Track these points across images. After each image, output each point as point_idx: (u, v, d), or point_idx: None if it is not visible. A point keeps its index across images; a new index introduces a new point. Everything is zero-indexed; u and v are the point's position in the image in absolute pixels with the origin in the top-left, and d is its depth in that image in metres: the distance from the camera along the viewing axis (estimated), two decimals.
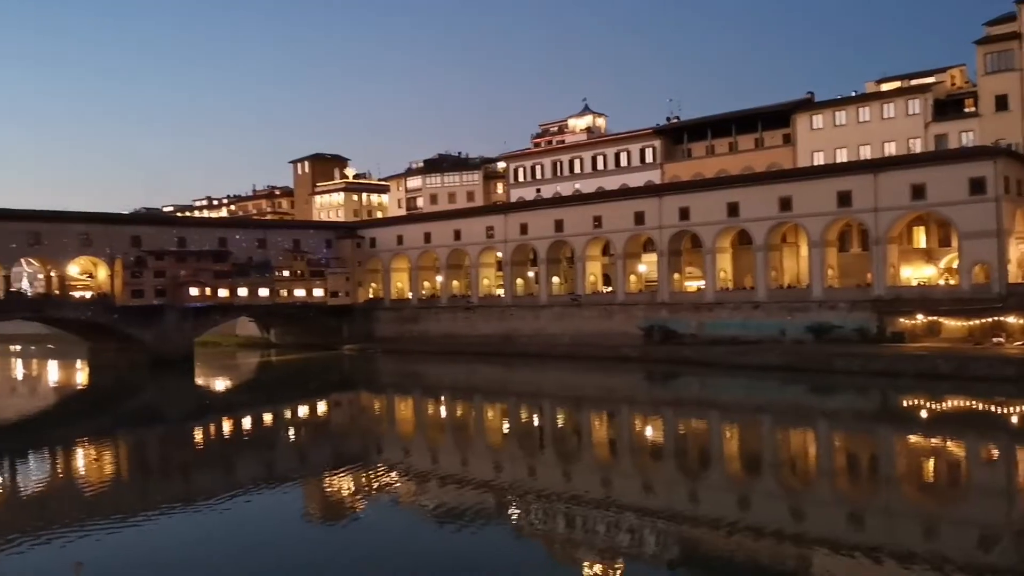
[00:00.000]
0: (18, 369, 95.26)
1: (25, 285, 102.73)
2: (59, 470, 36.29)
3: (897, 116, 76.46)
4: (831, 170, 70.18)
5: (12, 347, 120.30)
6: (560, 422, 47.61)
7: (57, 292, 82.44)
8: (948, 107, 75.89)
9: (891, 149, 75.41)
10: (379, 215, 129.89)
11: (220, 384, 74.79)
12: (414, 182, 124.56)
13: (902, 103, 76.42)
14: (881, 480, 31.10)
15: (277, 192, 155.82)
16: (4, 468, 36.32)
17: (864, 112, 78.67)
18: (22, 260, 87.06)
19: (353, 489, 30.64)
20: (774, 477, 31.49)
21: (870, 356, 55.55)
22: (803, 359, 58.45)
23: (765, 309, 68.96)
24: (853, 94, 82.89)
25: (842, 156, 77.84)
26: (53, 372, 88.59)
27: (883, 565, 19.93)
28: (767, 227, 70.31)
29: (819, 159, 79.17)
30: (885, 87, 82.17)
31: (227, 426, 48.42)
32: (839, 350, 58.62)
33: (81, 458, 38.88)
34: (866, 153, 76.49)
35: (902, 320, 62.36)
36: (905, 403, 48.13)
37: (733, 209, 72.04)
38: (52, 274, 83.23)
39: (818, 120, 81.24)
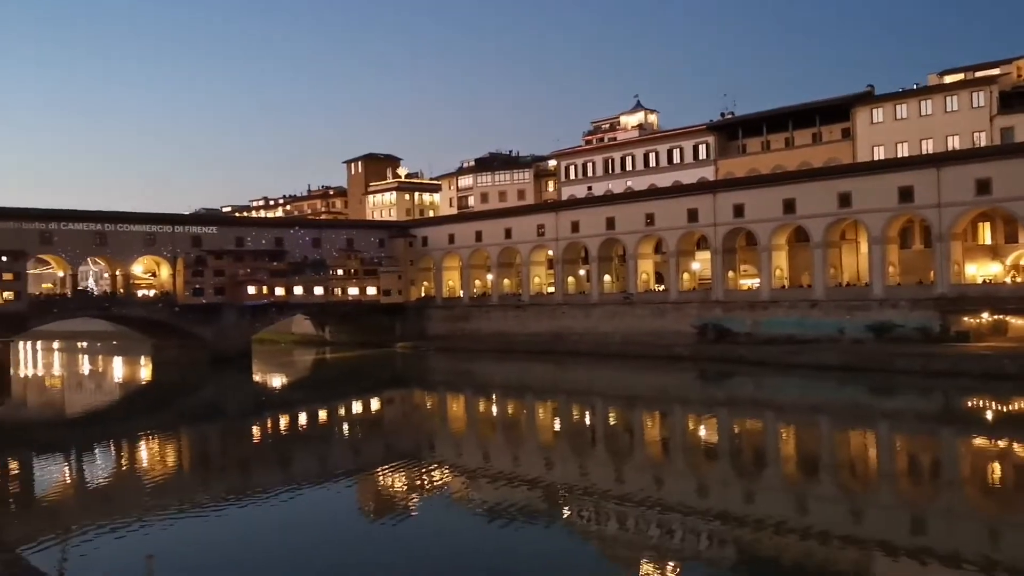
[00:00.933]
0: (85, 365, 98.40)
1: (91, 284, 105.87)
2: (125, 463, 37.44)
3: (961, 109, 74.26)
4: (892, 165, 68.51)
5: (79, 344, 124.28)
6: (612, 421, 47.44)
7: (122, 291, 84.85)
8: (1014, 99, 73.36)
9: (955, 143, 73.27)
10: (431, 214, 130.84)
11: (277, 381, 76.24)
12: (465, 181, 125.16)
13: (966, 95, 74.20)
14: (943, 483, 30.31)
15: (331, 192, 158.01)
16: (74, 461, 37.62)
17: (926, 105, 76.58)
18: (88, 259, 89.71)
19: (406, 485, 30.99)
20: (831, 479, 30.90)
21: (932, 356, 54.11)
22: (862, 359, 57.19)
23: (823, 307, 67.64)
24: (915, 87, 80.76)
25: (903, 151, 75.89)
26: (118, 368, 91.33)
27: (943, 571, 19.43)
28: (825, 224, 68.94)
29: (879, 154, 77.32)
30: (948, 79, 79.88)
31: (284, 422, 49.34)
32: (900, 350, 57.21)
33: (146, 452, 40.06)
34: (928, 147, 74.45)
35: (966, 319, 60.60)
36: (969, 404, 46.82)
37: (789, 206, 70.82)
38: (117, 273, 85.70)
39: (878, 114, 79.34)
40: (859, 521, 24.72)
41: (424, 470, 33.48)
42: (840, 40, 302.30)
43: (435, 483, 31.38)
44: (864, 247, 70.68)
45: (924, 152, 73.12)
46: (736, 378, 60.22)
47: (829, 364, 57.88)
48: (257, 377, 77.17)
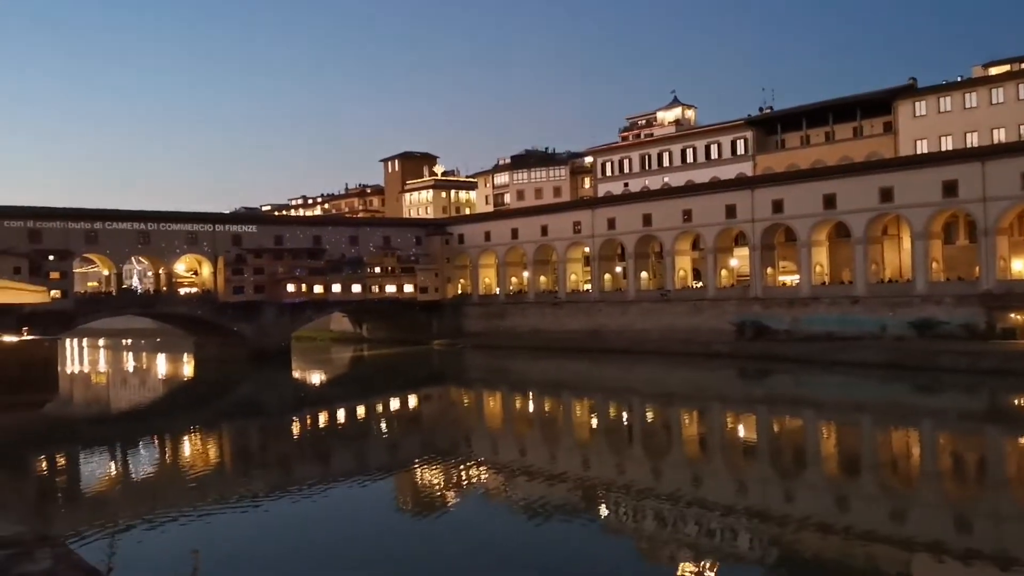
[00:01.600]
0: (130, 362, 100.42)
1: (135, 282, 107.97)
2: (169, 458, 38.17)
3: (1007, 101, 72.58)
4: (936, 159, 67.15)
5: (124, 341, 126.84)
6: (649, 418, 47.21)
7: (165, 289, 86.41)
8: None
9: (1000, 136, 71.63)
10: (467, 212, 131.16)
11: (315, 378, 77.09)
12: (501, 178, 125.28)
13: (1012, 87, 72.47)
14: (989, 483, 29.67)
15: (368, 190, 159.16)
16: (120, 456, 38.45)
17: (971, 98, 74.98)
18: (132, 258, 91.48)
19: (443, 482, 31.17)
20: (873, 478, 30.45)
21: (978, 353, 53.01)
22: (905, 356, 56.20)
23: (864, 304, 66.56)
24: (959, 79, 79.06)
25: (947, 144, 74.39)
26: (161, 365, 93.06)
27: (991, 572, 19.05)
28: (867, 219, 67.82)
29: (922, 147, 75.85)
30: (994, 71, 78.08)
31: (322, 418, 49.90)
32: (944, 347, 56.11)
33: (188, 447, 40.83)
34: (973, 140, 72.88)
35: (1013, 315, 59.22)
36: (1017, 403, 45.77)
37: (830, 201, 69.79)
38: (160, 271, 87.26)
39: (921, 107, 77.84)
40: (902, 521, 24.33)
41: (461, 467, 33.64)
42: (881, 32, 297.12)
43: (472, 480, 31.51)
44: (907, 243, 69.41)
45: (968, 146, 71.58)
46: (775, 376, 59.57)
47: (871, 362, 56.99)
48: (296, 374, 78.11)
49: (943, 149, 72.82)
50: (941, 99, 76.76)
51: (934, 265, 66.05)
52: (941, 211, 64.84)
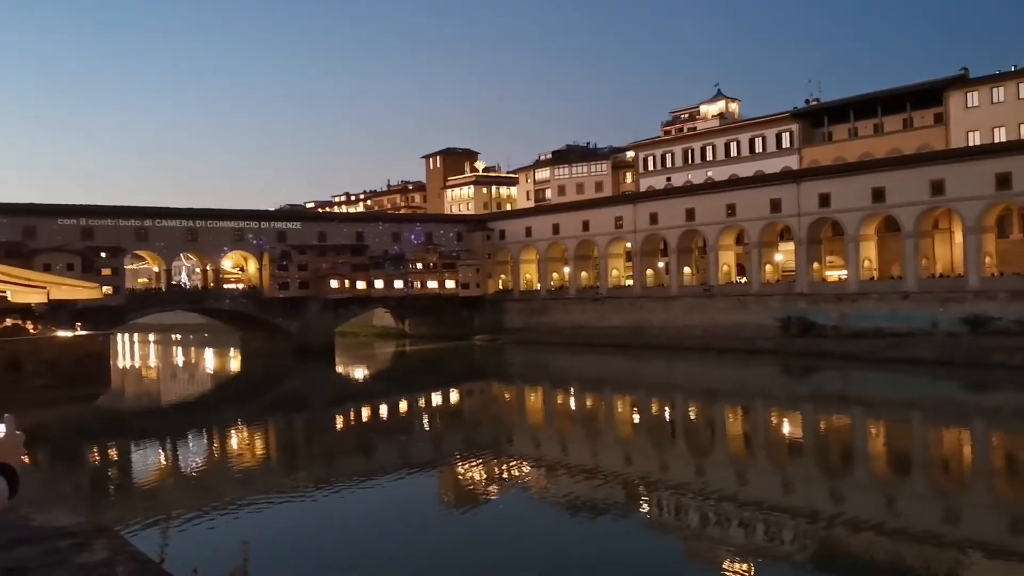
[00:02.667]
0: (178, 356, 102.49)
1: (183, 278, 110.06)
2: (217, 451, 38.91)
3: None
4: (989, 150, 65.40)
5: (173, 336, 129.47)
6: (691, 415, 46.82)
7: (212, 285, 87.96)
8: None
9: None
10: (508, 207, 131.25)
11: (359, 372, 77.85)
12: (542, 174, 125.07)
13: None
14: None
15: (410, 187, 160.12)
16: (170, 448, 39.29)
17: None
18: (181, 255, 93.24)
19: (485, 477, 31.27)
20: (924, 478, 29.84)
21: None
22: (957, 352, 54.89)
23: (914, 300, 65.14)
24: (1012, 69, 76.91)
25: (1000, 136, 72.41)
26: (209, 359, 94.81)
27: None
28: (917, 213, 66.35)
29: (975, 139, 73.95)
30: None
31: (365, 413, 50.39)
32: (998, 343, 54.68)
33: (236, 440, 41.54)
34: None
35: None
36: None
37: (879, 194, 68.40)
38: (207, 268, 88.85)
39: (973, 97, 75.88)
40: (953, 522, 23.81)
41: (502, 462, 33.71)
42: (931, 22, 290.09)
43: (513, 475, 31.57)
44: (958, 237, 67.77)
45: (1023, 137, 69.57)
46: (822, 372, 58.65)
47: (922, 358, 55.77)
48: (340, 369, 78.97)
49: (996, 140, 70.88)
50: (994, 89, 74.76)
51: (987, 259, 64.40)
52: (994, 204, 63.18)
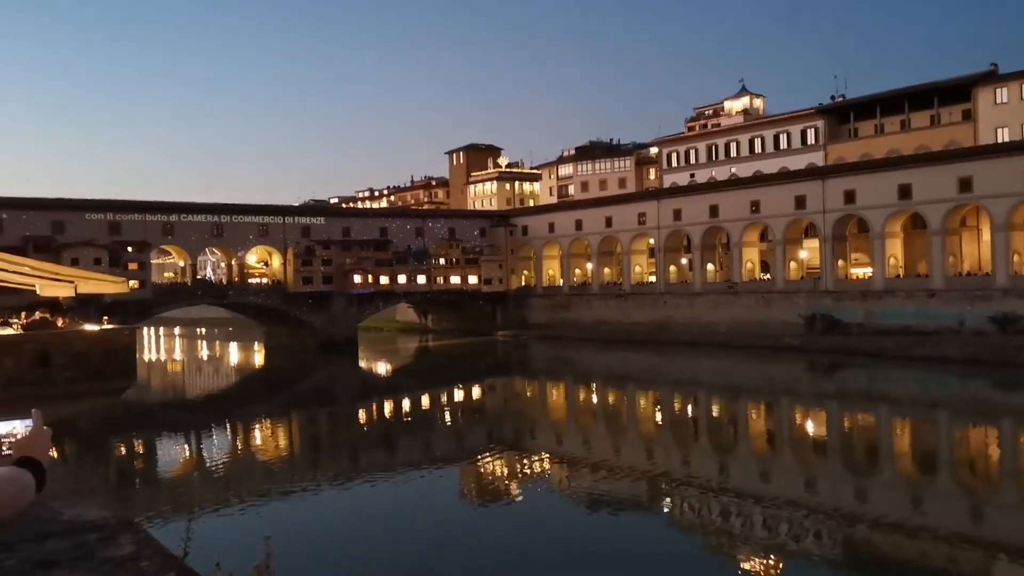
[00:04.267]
0: (204, 350, 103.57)
1: (209, 273, 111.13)
2: (241, 444, 39.29)
3: None
4: (1018, 147, 64.29)
5: (198, 329, 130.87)
6: (715, 412, 46.60)
7: (237, 279, 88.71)
8: None
9: None
10: (531, 203, 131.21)
11: (382, 367, 78.25)
12: (565, 170, 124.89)
13: None
14: None
15: (433, 182, 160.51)
16: (194, 441, 39.73)
17: None
18: (206, 250, 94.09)
19: (507, 473, 31.34)
20: (950, 477, 29.51)
21: None
22: (985, 351, 54.15)
23: (941, 297, 64.32)
24: None
25: None
26: (234, 353, 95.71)
27: None
28: (944, 210, 65.48)
29: (1004, 136, 72.82)
30: None
31: (388, 407, 50.66)
32: None
33: (259, 434, 41.92)
34: None
35: None
36: None
37: (905, 191, 67.57)
38: (233, 263, 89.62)
39: (1003, 94, 74.72)
40: (979, 521, 23.53)
41: (525, 458, 33.77)
42: (960, 17, 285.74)
43: (536, 471, 31.61)
44: (986, 234, 66.78)
45: None
46: (848, 370, 58.15)
47: (949, 356, 55.11)
48: (363, 363, 79.41)
49: None
50: None
51: (1015, 258, 63.43)
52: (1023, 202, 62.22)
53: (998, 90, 75.13)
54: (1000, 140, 71.92)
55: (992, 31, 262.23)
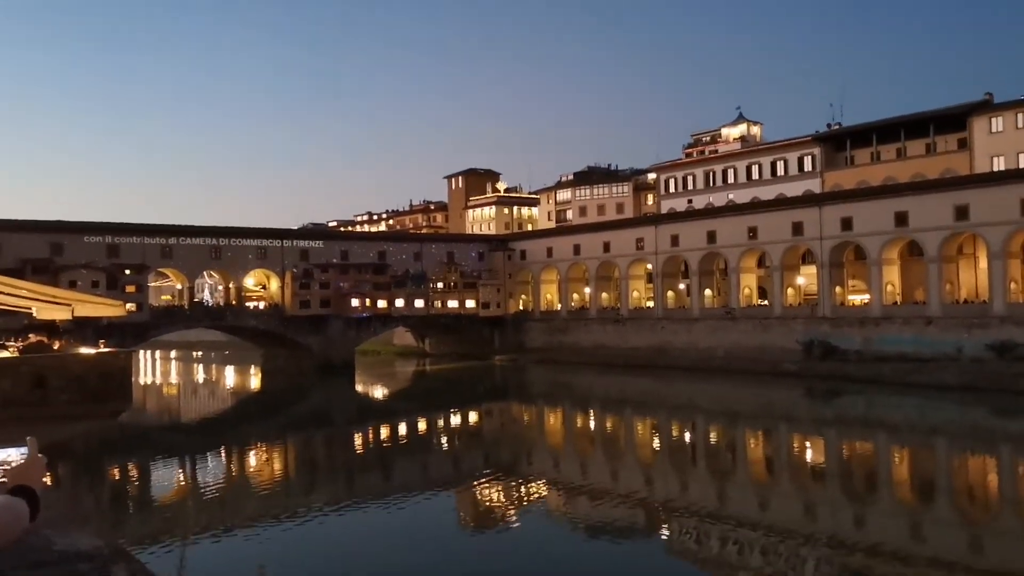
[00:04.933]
0: (200, 373, 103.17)
1: (206, 296, 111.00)
2: (236, 469, 39.03)
3: None
4: (1014, 175, 64.71)
5: (194, 353, 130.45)
6: (714, 438, 46.42)
7: (234, 303, 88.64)
8: None
9: None
10: (529, 228, 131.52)
11: (379, 391, 77.97)
12: (564, 195, 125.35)
13: None
14: None
15: (432, 206, 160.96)
16: (189, 466, 39.47)
17: None
18: (204, 272, 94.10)
19: (504, 498, 31.13)
20: (949, 505, 29.36)
21: None
22: (984, 378, 54.12)
23: (939, 324, 64.37)
24: None
25: None
26: (230, 377, 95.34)
27: None
28: (941, 237, 65.73)
29: (999, 164, 73.26)
30: None
31: (385, 432, 50.41)
32: None
33: (255, 458, 41.67)
34: None
35: None
36: None
37: (901, 218, 67.87)
38: (230, 286, 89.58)
39: (998, 123, 75.29)
40: (978, 551, 23.37)
41: (522, 483, 33.57)
42: (955, 47, 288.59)
43: (532, 497, 31.41)
44: (983, 262, 67.00)
45: None
46: (845, 397, 58.05)
47: (947, 384, 55.05)
48: (360, 387, 79.13)
49: (1021, 166, 70.18)
50: (1019, 115, 74.14)
51: (1012, 285, 63.58)
52: (1020, 229, 62.43)
53: (993, 119, 75.72)
54: (996, 168, 72.36)
55: (987, 60, 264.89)
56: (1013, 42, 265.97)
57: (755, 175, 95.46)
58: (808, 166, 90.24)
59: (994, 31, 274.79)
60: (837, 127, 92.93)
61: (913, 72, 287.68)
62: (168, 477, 37.17)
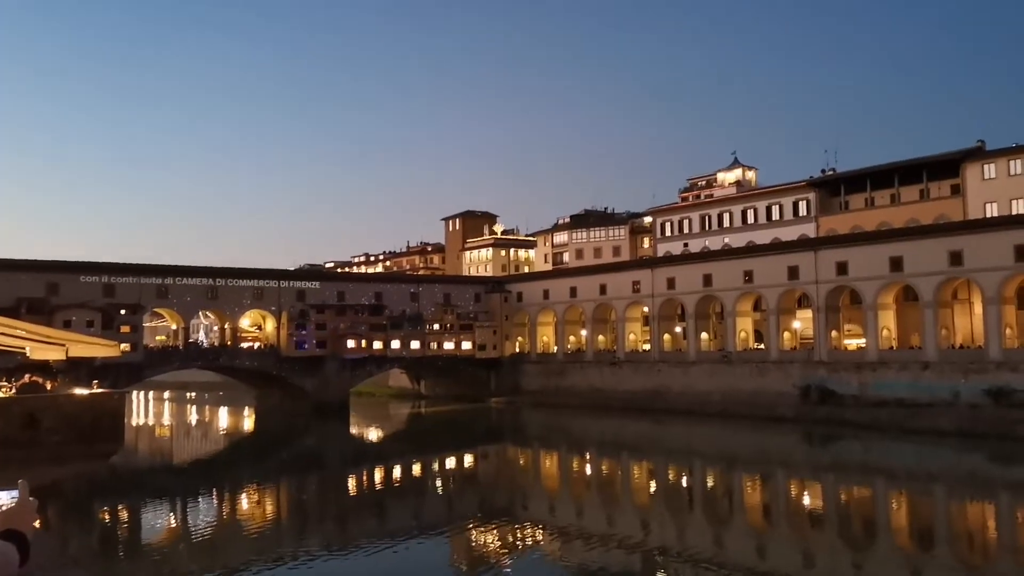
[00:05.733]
0: (193, 415, 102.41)
1: (201, 336, 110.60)
2: (227, 512, 38.56)
3: None
4: (1007, 222, 65.25)
5: (188, 394, 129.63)
6: (710, 483, 46.05)
7: (230, 343, 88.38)
8: None
9: None
10: (526, 270, 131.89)
11: (373, 433, 77.39)
12: (560, 237, 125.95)
13: None
14: None
15: (429, 248, 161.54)
16: (181, 509, 39.00)
17: None
18: (200, 313, 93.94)
19: (499, 543, 30.76)
20: (948, 552, 29.05)
21: None
22: (980, 424, 53.96)
23: (935, 370, 64.32)
24: None
25: (1018, 207, 72.30)
26: (224, 418, 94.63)
27: None
28: (935, 283, 66.01)
29: (992, 211, 73.91)
30: None
31: (379, 474, 49.94)
32: (1022, 415, 53.71)
33: (247, 501, 41.19)
34: None
35: None
36: None
37: (896, 263, 68.22)
38: (226, 326, 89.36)
39: (991, 169, 76.16)
40: None
41: (517, 528, 33.20)
42: (948, 94, 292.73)
43: (528, 542, 31.04)
44: (978, 307, 67.23)
45: None
46: (843, 442, 57.75)
47: (944, 429, 54.85)
48: (355, 429, 78.55)
49: (1014, 212, 70.83)
50: (1011, 162, 75.07)
51: (1007, 331, 63.72)
52: (1014, 276, 62.76)
53: (986, 166, 76.57)
54: (989, 215, 72.98)
55: (979, 108, 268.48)
56: (1005, 90, 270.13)
57: (751, 219, 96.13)
58: (803, 211, 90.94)
59: (986, 79, 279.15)
60: (832, 172, 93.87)
61: (907, 119, 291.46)
62: (159, 520, 36.69)
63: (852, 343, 74.65)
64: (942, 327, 67.70)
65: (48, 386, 47.56)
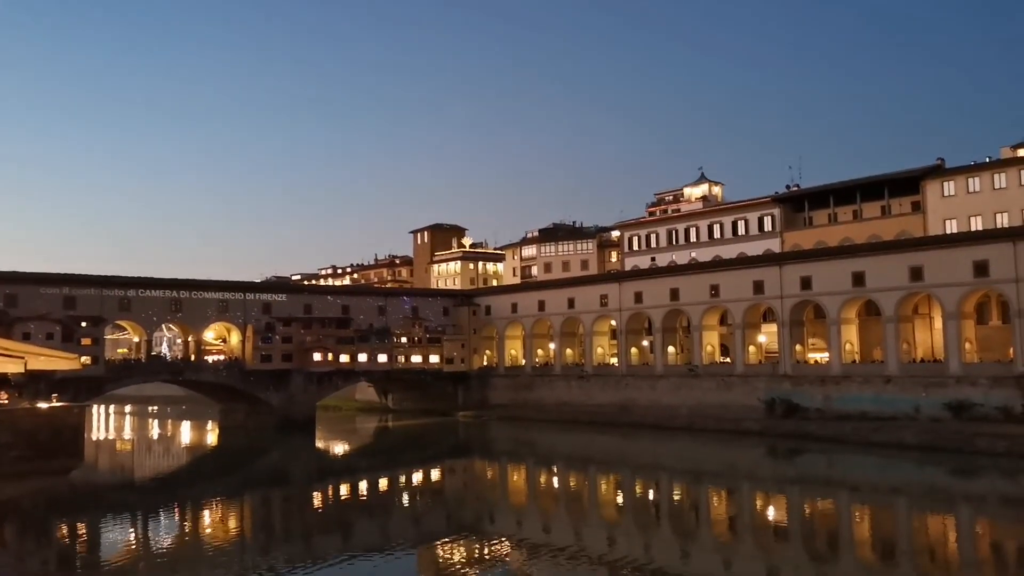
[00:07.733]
0: (155, 429, 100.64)
1: (164, 349, 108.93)
2: (189, 529, 37.87)
3: None
4: (966, 238, 66.75)
5: (150, 408, 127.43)
6: (677, 497, 46.24)
7: (193, 356, 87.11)
8: None
9: None
10: (494, 283, 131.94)
11: (340, 448, 76.61)
12: (529, 251, 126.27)
13: None
14: None
15: (397, 261, 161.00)
16: (141, 526, 38.23)
17: (1000, 178, 74.99)
18: (163, 325, 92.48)
19: (466, 558, 30.57)
20: (910, 565, 29.41)
21: (1017, 436, 51.58)
22: (941, 438, 54.89)
23: (897, 384, 65.39)
24: (987, 160, 79.19)
25: (977, 224, 74.07)
26: (186, 433, 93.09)
27: None
28: (897, 298, 67.18)
29: (952, 227, 75.58)
30: (1022, 152, 78.11)
31: (345, 490, 49.44)
32: (982, 429, 54.76)
33: (209, 517, 40.50)
34: (1004, 221, 72.56)
35: None
36: None
37: (859, 279, 69.35)
38: (190, 339, 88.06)
39: (950, 187, 77.89)
40: None
41: (484, 543, 33.02)
42: (909, 113, 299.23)
43: (495, 557, 30.87)
44: (938, 322, 68.56)
45: (999, 226, 71.18)
46: (807, 455, 58.33)
47: (906, 442, 55.72)
48: (321, 444, 77.72)
49: (973, 229, 72.43)
50: (970, 179, 76.88)
51: (967, 345, 64.98)
52: (973, 291, 64.12)
53: (945, 183, 78.29)
54: (948, 231, 74.57)
55: (939, 126, 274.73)
56: (964, 109, 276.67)
57: (717, 234, 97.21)
58: (768, 226, 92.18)
59: (946, 98, 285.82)
60: (796, 188, 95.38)
61: (869, 136, 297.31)
62: (119, 537, 35.90)
63: (816, 357, 75.65)
64: (903, 341, 68.89)
65: (5, 400, 46.53)
